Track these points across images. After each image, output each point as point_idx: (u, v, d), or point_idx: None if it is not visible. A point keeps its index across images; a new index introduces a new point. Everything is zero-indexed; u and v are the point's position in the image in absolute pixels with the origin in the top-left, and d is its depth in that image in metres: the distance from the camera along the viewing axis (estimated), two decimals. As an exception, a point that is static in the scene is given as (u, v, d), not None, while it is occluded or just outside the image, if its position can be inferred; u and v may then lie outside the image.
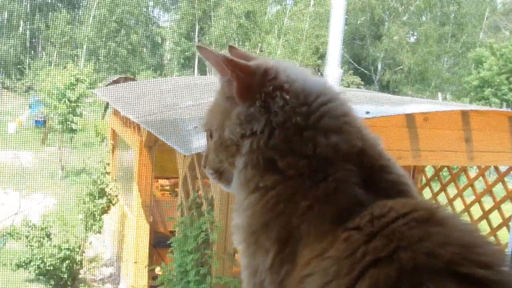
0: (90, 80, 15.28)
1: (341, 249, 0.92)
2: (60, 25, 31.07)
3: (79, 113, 14.74)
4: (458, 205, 8.71)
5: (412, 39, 43.55)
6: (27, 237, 8.85)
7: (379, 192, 1.01)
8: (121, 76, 24.02)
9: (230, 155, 1.16)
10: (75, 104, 14.15)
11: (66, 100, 13.83)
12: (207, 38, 39.13)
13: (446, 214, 0.94)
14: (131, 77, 25.57)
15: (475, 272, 0.81)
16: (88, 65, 15.81)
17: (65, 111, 13.94)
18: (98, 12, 32.15)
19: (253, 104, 1.11)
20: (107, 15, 32.92)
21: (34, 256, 8.70)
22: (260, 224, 1.05)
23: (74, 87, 13.92)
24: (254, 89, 1.11)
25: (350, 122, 1.10)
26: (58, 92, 13.84)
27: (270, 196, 1.05)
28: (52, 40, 32.10)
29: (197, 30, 40.45)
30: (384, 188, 1.03)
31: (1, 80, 28.07)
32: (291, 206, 1.02)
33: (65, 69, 14.33)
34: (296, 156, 1.05)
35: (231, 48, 1.30)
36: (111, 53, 33.52)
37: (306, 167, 1.04)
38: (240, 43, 38.46)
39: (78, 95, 14.07)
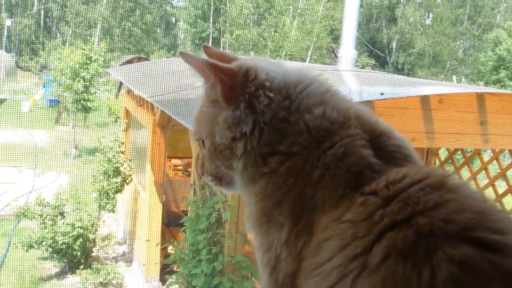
0: (104, 59, 15.30)
1: (358, 212, 0.93)
2: (75, 5, 31.10)
3: (92, 92, 14.77)
4: (472, 188, 8.65)
5: (428, 21, 43.20)
6: (40, 215, 8.91)
7: (386, 156, 1.04)
8: (135, 56, 24.03)
9: (226, 159, 1.17)
10: (88, 83, 14.19)
11: (80, 78, 13.86)
12: (222, 19, 39.08)
13: (458, 182, 0.97)
14: (145, 57, 25.59)
15: (489, 237, 0.83)
16: (102, 45, 15.78)
17: (79, 90, 13.98)
18: (113, -8, 32.12)
19: (238, 106, 1.13)
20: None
21: (47, 235, 8.77)
22: (272, 204, 1.07)
23: (87, 66, 13.95)
24: (237, 91, 1.13)
25: (332, 95, 1.13)
26: (71, 71, 13.87)
27: (279, 174, 1.07)
28: (67, 19, 32.17)
29: (212, 10, 40.40)
30: (391, 152, 1.05)
31: (16, 59, 28.21)
32: (302, 177, 1.04)
33: (79, 48, 14.35)
34: (293, 135, 1.08)
35: (206, 48, 1.31)
36: (125, 33, 33.56)
37: (309, 140, 1.06)
38: (255, 23, 38.35)
39: (91, 74, 14.10)
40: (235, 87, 1.12)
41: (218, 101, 1.15)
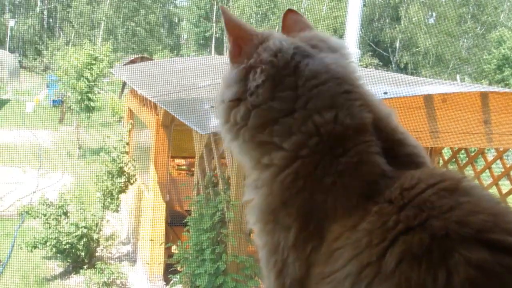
0: (108, 59, 15.29)
1: (373, 221, 0.91)
2: (79, 5, 31.10)
3: (96, 92, 14.77)
4: (475, 188, 8.63)
5: (431, 20, 43.11)
6: (44, 215, 8.93)
7: (399, 163, 1.01)
8: (138, 56, 24.04)
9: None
10: (93, 83, 14.20)
11: (84, 78, 13.87)
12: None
13: (472, 184, 0.94)
14: (148, 56, 25.60)
15: (505, 239, 0.81)
16: (106, 45, 15.78)
17: (83, 90, 13.99)
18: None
19: (234, 69, 1.12)
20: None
21: (51, 235, 8.79)
22: (278, 203, 1.04)
23: (91, 66, 13.95)
24: (244, 55, 1.11)
25: (350, 98, 1.07)
26: (75, 70, 13.88)
27: (286, 174, 1.03)
28: (70, 19, 32.17)
29: (215, 10, 40.40)
30: (404, 161, 1.02)
31: (19, 60, 28.25)
32: (312, 182, 1.01)
33: (83, 48, 14.36)
34: (301, 135, 1.04)
35: (289, 12, 1.29)
36: (128, 32, 33.56)
37: (320, 144, 1.02)
38: (259, 23, 38.36)
39: (95, 74, 14.10)
40: (243, 50, 1.12)
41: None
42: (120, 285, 9.09)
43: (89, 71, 13.89)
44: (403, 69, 39.88)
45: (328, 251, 0.95)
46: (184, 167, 11.77)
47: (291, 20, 1.26)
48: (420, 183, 0.93)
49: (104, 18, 31.25)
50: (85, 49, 14.25)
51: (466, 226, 0.83)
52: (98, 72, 14.12)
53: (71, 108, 15.97)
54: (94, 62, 13.99)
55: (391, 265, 0.83)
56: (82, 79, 13.88)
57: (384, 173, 0.98)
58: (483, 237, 0.81)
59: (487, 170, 8.54)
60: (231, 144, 1.14)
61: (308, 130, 1.03)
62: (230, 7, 38.33)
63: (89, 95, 14.20)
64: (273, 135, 1.06)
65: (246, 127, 1.09)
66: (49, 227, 8.85)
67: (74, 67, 13.89)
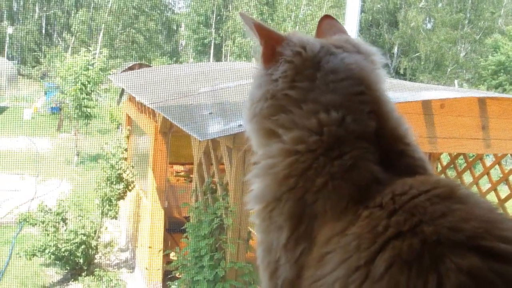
0: (106, 66, 15.27)
1: (363, 225, 0.91)
2: (78, 12, 31.12)
3: (94, 99, 14.74)
4: (474, 193, 8.63)
5: (429, 26, 43.15)
6: (43, 222, 8.91)
7: (397, 174, 1.00)
8: (136, 62, 24.03)
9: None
10: (90, 90, 14.17)
11: (81, 85, 13.83)
12: (224, 26, 39.11)
13: (466, 192, 0.94)
14: (147, 63, 25.60)
15: (497, 246, 0.80)
16: (104, 51, 15.75)
17: (80, 96, 13.95)
18: (115, -1, 32.13)
19: (269, 69, 1.14)
20: (126, 1, 32.89)
21: (50, 242, 8.77)
22: (272, 197, 1.05)
23: (89, 72, 13.92)
24: (276, 56, 1.13)
25: (363, 100, 1.07)
26: (73, 77, 13.85)
27: (280, 168, 1.05)
28: (69, 26, 32.16)
29: (215, 17, 40.41)
30: (402, 172, 1.01)
31: (17, 67, 28.22)
32: (304, 181, 1.01)
33: (80, 55, 14.34)
34: (303, 130, 1.05)
35: (326, 17, 1.34)
36: (128, 39, 33.55)
37: (318, 143, 1.03)
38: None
39: (93, 80, 14.07)
40: (276, 52, 1.13)
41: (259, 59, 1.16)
42: (119, 292, 9.08)
43: (85, 77, 13.84)
44: (402, 75, 39.89)
45: (318, 254, 0.95)
46: (182, 173, 11.75)
47: (327, 25, 1.31)
48: (412, 189, 0.92)
49: (103, 25, 31.25)
50: (82, 55, 14.21)
51: (458, 232, 0.82)
52: (95, 77, 14.07)
53: (69, 115, 15.94)
54: (90, 68, 13.95)
55: (380, 270, 0.83)
56: (78, 85, 13.84)
57: (377, 179, 0.98)
58: (475, 244, 0.80)
59: (486, 176, 8.53)
60: (249, 134, 1.18)
61: (311, 126, 1.04)
62: (231, 14, 38.39)
63: (86, 101, 14.16)
64: (278, 125, 1.08)
65: (260, 114, 1.12)
66: (48, 234, 8.83)
67: (71, 74, 13.85)
